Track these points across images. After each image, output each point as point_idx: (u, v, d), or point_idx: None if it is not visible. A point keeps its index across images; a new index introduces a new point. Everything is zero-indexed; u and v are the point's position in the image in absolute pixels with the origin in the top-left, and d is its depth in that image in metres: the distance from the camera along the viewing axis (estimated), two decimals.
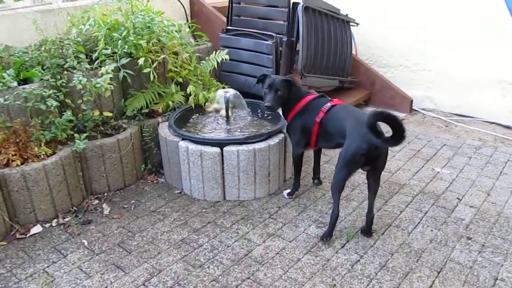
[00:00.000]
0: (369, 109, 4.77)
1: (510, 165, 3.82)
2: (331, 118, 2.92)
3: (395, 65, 5.23)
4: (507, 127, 4.60)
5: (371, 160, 2.64)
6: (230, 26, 4.48)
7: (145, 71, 3.41)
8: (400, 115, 4.19)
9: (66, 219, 3.00)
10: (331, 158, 3.90)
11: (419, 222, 3.01)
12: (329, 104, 2.95)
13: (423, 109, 5.08)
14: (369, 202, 2.82)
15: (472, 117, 4.83)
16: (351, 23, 4.89)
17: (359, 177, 3.60)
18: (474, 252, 2.72)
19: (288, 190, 3.33)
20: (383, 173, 3.59)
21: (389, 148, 2.84)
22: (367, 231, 2.87)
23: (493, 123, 4.70)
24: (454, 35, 4.71)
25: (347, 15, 4.81)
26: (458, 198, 3.30)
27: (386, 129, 2.46)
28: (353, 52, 5.10)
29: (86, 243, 2.78)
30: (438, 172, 3.67)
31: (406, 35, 5.02)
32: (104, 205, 3.18)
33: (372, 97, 5.13)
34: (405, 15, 4.95)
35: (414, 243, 2.80)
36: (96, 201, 3.23)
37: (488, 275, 2.53)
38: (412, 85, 5.11)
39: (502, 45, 4.47)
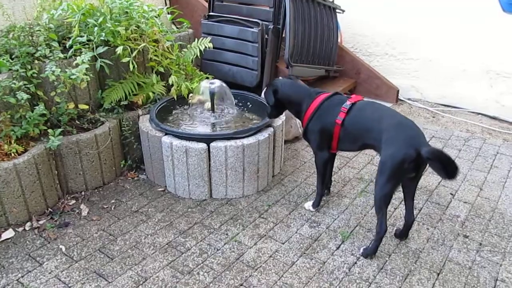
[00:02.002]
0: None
1: (500, 157, 3.76)
2: (355, 118, 2.60)
3: (380, 54, 5.11)
4: (494, 118, 4.56)
5: (419, 166, 2.39)
6: (212, 12, 4.26)
7: (124, 60, 3.17)
8: (386, 104, 4.07)
9: (41, 222, 2.77)
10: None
11: (414, 220, 2.90)
12: (348, 103, 2.64)
13: (409, 99, 4.99)
14: (409, 206, 2.60)
15: (459, 108, 4.77)
16: (337, 10, 4.73)
17: (349, 171, 3.49)
18: (472, 251, 2.64)
19: (310, 202, 3.01)
20: (373, 168, 3.52)
21: None
22: (404, 234, 2.70)
23: (479, 113, 4.66)
24: (441, 24, 4.61)
25: (333, 1, 4.64)
26: (451, 194, 3.21)
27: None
28: (339, 40, 4.94)
29: (63, 249, 2.56)
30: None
31: (392, 23, 4.90)
32: (82, 206, 2.96)
33: (358, 86, 5.00)
34: (391, 3, 4.82)
35: (411, 243, 2.70)
36: (73, 201, 3.00)
37: (488, 276, 2.45)
38: (398, 75, 5.01)
39: (490, 34, 4.39)
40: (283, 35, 3.96)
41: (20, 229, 2.72)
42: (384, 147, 2.39)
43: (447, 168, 2.23)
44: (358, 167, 3.56)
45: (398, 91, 4.88)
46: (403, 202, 3.00)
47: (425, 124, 4.39)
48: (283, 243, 2.66)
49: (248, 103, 3.58)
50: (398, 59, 5.01)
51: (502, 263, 2.55)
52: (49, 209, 2.88)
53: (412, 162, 2.30)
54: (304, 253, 2.59)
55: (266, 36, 3.89)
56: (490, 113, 4.58)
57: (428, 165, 2.41)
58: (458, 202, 3.12)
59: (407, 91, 5.00)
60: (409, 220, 2.65)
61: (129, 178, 3.33)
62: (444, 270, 2.48)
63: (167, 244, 2.63)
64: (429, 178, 3.40)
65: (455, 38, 4.59)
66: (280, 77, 2.99)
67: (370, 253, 2.56)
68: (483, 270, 2.49)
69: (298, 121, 3.89)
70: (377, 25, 5.00)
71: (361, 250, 2.59)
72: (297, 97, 2.83)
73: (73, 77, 2.87)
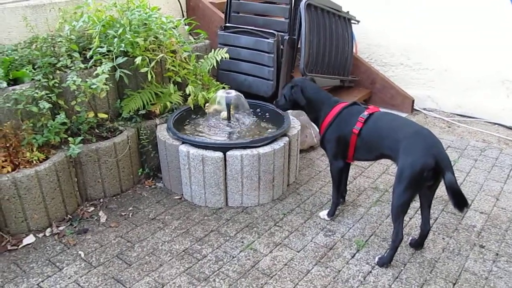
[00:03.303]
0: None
1: None
2: (372, 127, 2.62)
3: (395, 64, 5.12)
4: (511, 128, 4.52)
5: (437, 174, 2.38)
6: (229, 23, 4.32)
7: (142, 70, 3.24)
8: (402, 114, 4.08)
9: (61, 228, 2.84)
10: None
11: (429, 230, 2.89)
12: (366, 113, 2.66)
13: (424, 109, 4.98)
14: (425, 215, 2.61)
15: (475, 118, 4.74)
16: (352, 21, 4.77)
17: (365, 181, 3.50)
18: (489, 262, 2.62)
19: (325, 211, 3.02)
20: (388, 177, 3.52)
21: None
22: (419, 243, 2.71)
23: (496, 123, 4.62)
24: (457, 34, 4.61)
25: (348, 12, 4.68)
26: None
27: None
28: (354, 50, 4.97)
29: (82, 255, 2.62)
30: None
31: (407, 33, 4.91)
32: (101, 213, 3.02)
33: (373, 96, 5.01)
34: (407, 13, 4.83)
35: (427, 252, 2.69)
36: (92, 208, 3.06)
37: (505, 286, 2.43)
38: (414, 85, 5.01)
39: (506, 44, 4.37)
40: (299, 46, 4.00)
41: (41, 234, 2.79)
42: (402, 156, 2.41)
43: (458, 201, 2.32)
44: (373, 177, 3.56)
45: (413, 101, 4.88)
46: (418, 212, 3.01)
47: (440, 134, 4.37)
48: (298, 251, 2.68)
49: (264, 113, 3.62)
50: (413, 69, 5.01)
51: None
52: (69, 215, 2.95)
53: (431, 170, 2.32)
54: (319, 261, 2.60)
55: (281, 47, 3.93)
56: (506, 123, 4.55)
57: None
58: (474, 212, 3.10)
59: (423, 101, 4.99)
60: (425, 230, 2.65)
61: (146, 186, 3.38)
62: (460, 280, 2.47)
63: (183, 251, 2.67)
64: (445, 188, 3.38)
65: (470, 47, 4.58)
66: (301, 77, 3.01)
67: (385, 261, 2.56)
68: (500, 280, 2.47)
69: (313, 131, 3.91)
70: (392, 35, 5.02)
71: (376, 259, 2.60)
72: (318, 102, 2.86)
73: (93, 86, 2.94)
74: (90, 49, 3.27)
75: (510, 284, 2.44)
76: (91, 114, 3.17)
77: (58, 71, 3.09)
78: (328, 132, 2.79)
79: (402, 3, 4.84)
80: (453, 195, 2.30)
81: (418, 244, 2.71)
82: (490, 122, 4.66)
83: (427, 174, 2.34)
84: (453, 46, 4.68)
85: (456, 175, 3.21)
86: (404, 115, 4.75)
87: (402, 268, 2.56)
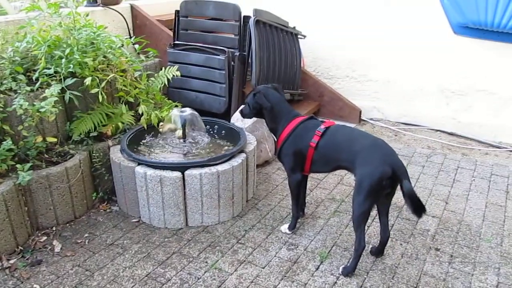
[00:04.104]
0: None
1: (461, 171, 3.94)
2: (328, 140, 2.69)
3: (341, 76, 5.28)
4: (452, 133, 4.78)
5: (395, 182, 2.47)
6: (178, 40, 4.30)
7: (92, 91, 3.14)
8: (350, 125, 4.21)
9: (12, 261, 2.66)
10: None
11: (389, 236, 2.98)
12: (323, 127, 2.72)
13: (371, 119, 5.17)
14: (383, 223, 2.68)
15: (418, 125, 4.98)
16: (298, 36, 4.88)
17: (321, 192, 3.56)
18: (445, 264, 2.74)
19: (286, 225, 3.04)
20: (343, 188, 3.61)
21: None
22: (380, 250, 2.77)
23: (438, 130, 4.87)
24: (398, 47, 4.83)
25: (294, 27, 4.79)
26: None
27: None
28: (301, 64, 5.08)
29: None
30: None
31: (351, 47, 5.08)
32: (54, 242, 2.86)
33: (322, 108, 5.14)
34: (350, 28, 5.00)
35: (387, 259, 2.77)
36: (44, 238, 2.91)
37: (462, 286, 2.54)
38: (360, 96, 5.18)
39: (443, 55, 4.64)
40: (249, 61, 4.04)
41: None
42: (360, 167, 2.49)
43: (416, 207, 2.43)
44: (330, 188, 3.63)
45: (360, 111, 5.05)
46: (375, 220, 3.10)
47: (389, 143, 4.49)
48: (263, 268, 2.67)
49: (219, 130, 3.60)
50: (359, 81, 5.19)
51: (473, 273, 2.66)
52: (20, 247, 2.78)
53: (389, 179, 2.42)
54: (285, 276, 2.61)
55: (232, 63, 3.95)
56: (448, 130, 4.81)
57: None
58: (427, 216, 3.23)
59: (369, 111, 5.18)
60: (385, 236, 2.73)
61: (101, 210, 3.26)
62: (420, 284, 2.56)
63: (146, 276, 2.58)
64: (398, 194, 3.48)
65: (411, 59, 4.81)
66: (264, 85, 3.05)
67: (350, 271, 2.61)
68: (457, 281, 2.59)
69: (268, 145, 3.94)
70: (336, 49, 5.18)
71: (341, 269, 2.64)
72: (278, 112, 2.88)
73: (42, 110, 2.81)
74: (35, 70, 3.13)
75: (467, 284, 2.56)
76: (40, 139, 3.02)
77: (1, 95, 2.93)
78: (285, 146, 2.82)
79: (345, 20, 5.01)
80: (411, 202, 2.40)
81: (378, 251, 2.78)
82: (432, 129, 4.91)
83: (386, 183, 2.43)
84: (395, 59, 4.90)
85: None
86: (352, 125, 4.91)
87: (365, 276, 2.62)
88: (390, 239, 2.93)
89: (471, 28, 4.39)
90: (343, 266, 2.66)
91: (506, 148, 4.45)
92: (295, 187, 2.92)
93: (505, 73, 4.41)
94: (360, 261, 2.67)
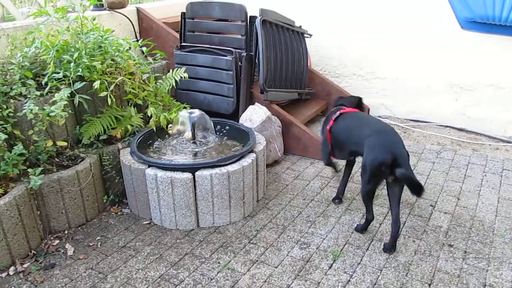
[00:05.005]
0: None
1: (472, 167, 3.91)
2: (339, 126, 2.94)
3: (349, 75, 5.26)
4: (461, 129, 4.74)
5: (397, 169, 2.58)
6: (184, 42, 4.31)
7: (101, 94, 3.16)
8: None
9: (25, 265, 2.67)
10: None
11: (399, 227, 2.96)
12: (338, 112, 2.96)
13: (380, 117, 5.13)
14: (395, 212, 2.73)
15: (427, 122, 4.94)
16: (305, 35, 4.87)
17: (331, 191, 3.54)
18: (459, 260, 2.71)
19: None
20: (354, 186, 3.59)
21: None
22: (392, 245, 2.77)
23: (447, 126, 4.84)
24: (405, 43, 4.80)
25: (300, 26, 4.78)
26: (431, 205, 3.31)
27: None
28: (308, 63, 5.07)
29: None
30: None
31: (357, 44, 5.06)
32: (67, 245, 2.88)
33: (330, 107, 5.11)
34: (356, 25, 4.99)
35: (400, 256, 2.75)
36: (57, 241, 2.92)
37: (477, 282, 2.52)
38: (367, 93, 5.15)
39: (451, 50, 4.61)
40: (256, 62, 4.04)
41: (4, 274, 2.61)
42: (365, 152, 2.65)
43: (413, 187, 2.55)
44: None
45: (368, 109, 5.02)
46: (387, 218, 3.08)
47: None
48: (276, 267, 2.67)
49: (227, 130, 3.61)
50: (366, 79, 5.17)
51: (488, 268, 2.63)
52: (33, 251, 2.79)
53: (389, 167, 2.55)
54: (298, 275, 2.60)
55: (239, 63, 3.95)
56: (457, 125, 4.77)
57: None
58: (439, 213, 3.21)
59: (377, 109, 5.16)
60: (395, 227, 2.75)
61: (112, 213, 3.27)
62: (434, 281, 2.54)
63: (159, 277, 2.59)
64: (408, 192, 3.46)
65: (418, 56, 4.78)
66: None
67: (359, 230, 2.97)
68: (471, 277, 2.57)
69: (277, 145, 3.94)
70: (343, 47, 5.16)
71: (355, 225, 3.03)
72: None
73: (52, 114, 2.82)
74: (44, 75, 3.15)
75: (482, 280, 2.54)
76: (50, 143, 3.03)
77: (12, 100, 2.95)
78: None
79: (351, 17, 5.00)
80: (408, 183, 2.53)
81: (391, 246, 2.77)
82: (442, 125, 4.87)
83: (385, 170, 2.57)
84: (402, 55, 4.87)
85: (417, 178, 3.37)
86: None
87: (379, 273, 2.60)
88: (402, 236, 2.93)
89: (478, 23, 4.36)
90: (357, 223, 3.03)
91: None
92: (328, 166, 3.29)
93: None
94: (373, 259, 2.68)
